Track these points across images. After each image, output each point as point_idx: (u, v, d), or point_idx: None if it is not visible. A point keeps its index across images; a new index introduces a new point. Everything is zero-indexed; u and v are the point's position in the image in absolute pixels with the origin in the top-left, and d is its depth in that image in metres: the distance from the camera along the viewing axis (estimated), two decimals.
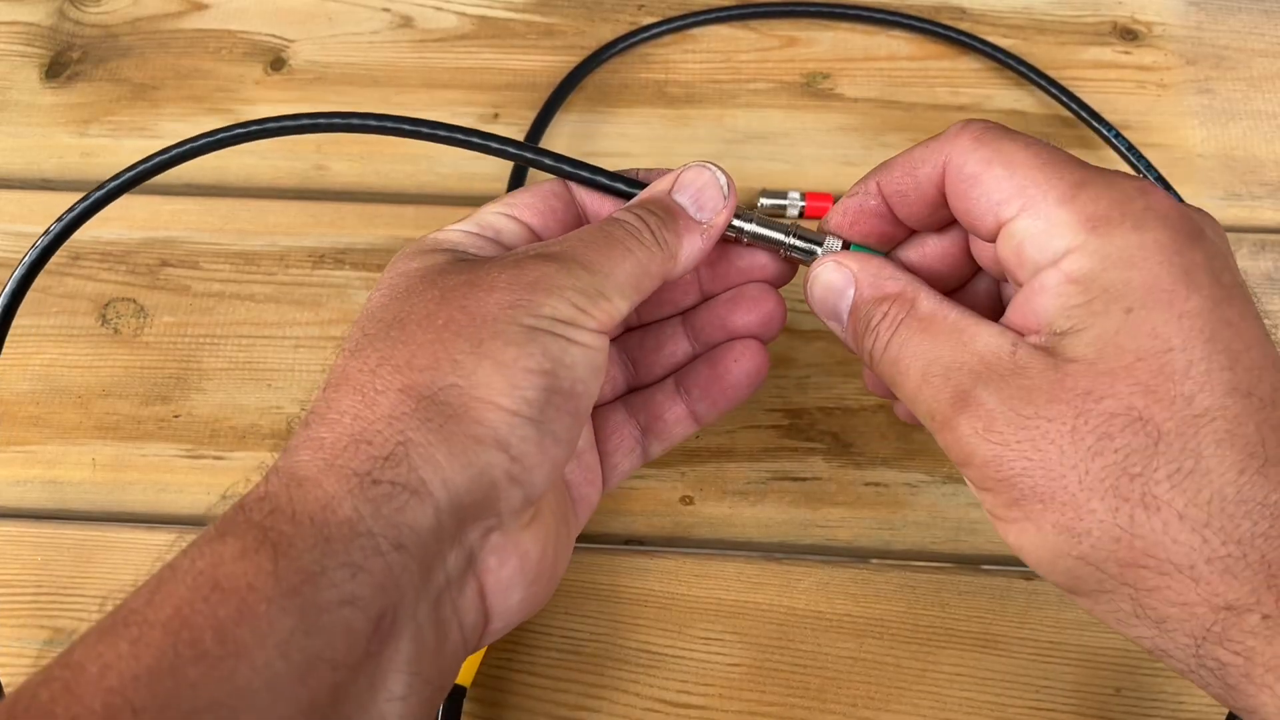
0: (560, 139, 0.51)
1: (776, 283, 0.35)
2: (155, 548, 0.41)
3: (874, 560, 0.41)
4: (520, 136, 0.50)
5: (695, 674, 0.38)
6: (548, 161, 0.33)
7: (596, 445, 0.35)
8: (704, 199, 0.32)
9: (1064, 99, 0.50)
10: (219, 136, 0.34)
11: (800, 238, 0.33)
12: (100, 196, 0.34)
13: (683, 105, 0.52)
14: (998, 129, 0.29)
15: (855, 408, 0.44)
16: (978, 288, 0.34)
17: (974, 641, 0.39)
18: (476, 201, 0.34)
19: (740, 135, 0.51)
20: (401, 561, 0.25)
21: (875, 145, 0.50)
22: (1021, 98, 0.52)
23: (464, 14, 0.55)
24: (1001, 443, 0.27)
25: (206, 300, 0.47)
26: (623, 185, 0.33)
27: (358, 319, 0.30)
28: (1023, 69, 0.51)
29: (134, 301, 0.47)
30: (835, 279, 0.32)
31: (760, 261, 0.35)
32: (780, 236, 0.33)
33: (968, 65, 0.53)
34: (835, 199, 0.34)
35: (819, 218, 0.35)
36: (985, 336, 0.28)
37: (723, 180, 0.32)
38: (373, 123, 0.34)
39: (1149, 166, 0.46)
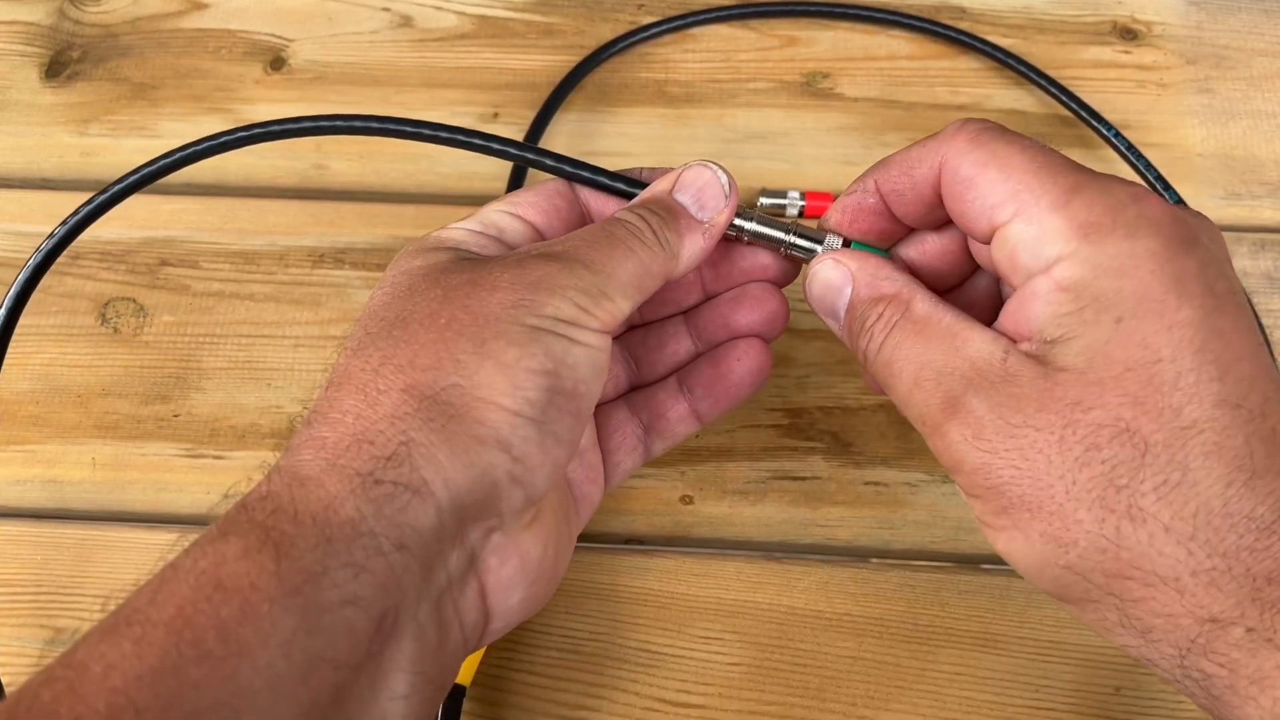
0: (560, 138, 0.51)
1: (779, 282, 0.35)
2: (155, 547, 0.41)
3: (874, 560, 0.41)
4: (520, 136, 0.50)
5: (695, 673, 0.39)
6: (548, 162, 0.34)
7: (599, 443, 0.35)
8: (705, 198, 0.32)
9: (1064, 99, 0.50)
10: (224, 139, 0.34)
11: (801, 236, 0.33)
12: (104, 200, 0.34)
13: (683, 105, 0.52)
14: (994, 130, 0.29)
15: (855, 407, 0.44)
16: (978, 284, 0.34)
17: (974, 641, 0.39)
18: (476, 201, 0.34)
19: (740, 135, 0.51)
20: (403, 561, 0.25)
21: (875, 145, 0.50)
22: (1021, 97, 0.52)
23: (464, 13, 0.55)
24: (990, 450, 0.27)
25: (206, 300, 0.47)
26: (623, 185, 0.33)
27: (360, 317, 0.30)
28: (1023, 69, 0.51)
29: (134, 301, 0.47)
30: (833, 277, 0.32)
31: (763, 261, 0.35)
32: (781, 235, 0.33)
33: (968, 65, 0.53)
34: (835, 198, 0.34)
35: (819, 217, 0.35)
36: (978, 342, 0.28)
37: (724, 179, 0.32)
38: (375, 125, 0.34)
39: (1149, 166, 0.46)
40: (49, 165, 0.50)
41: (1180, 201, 0.45)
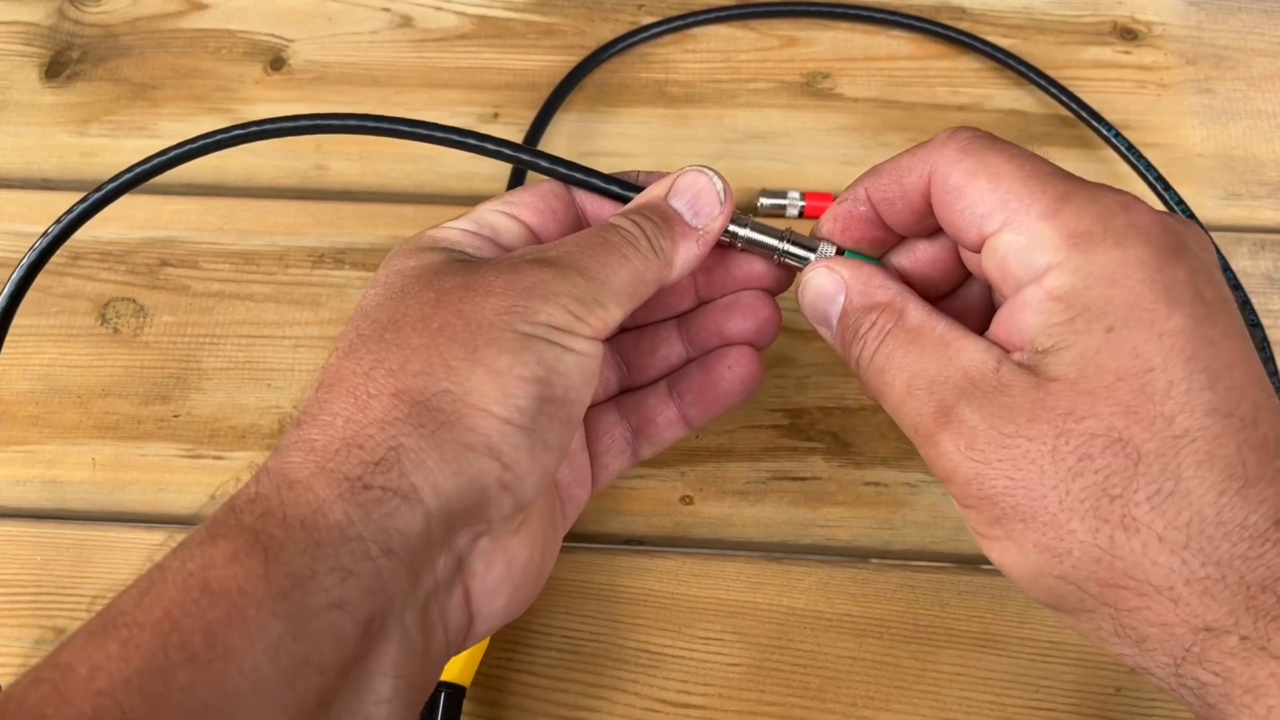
0: (560, 139, 0.51)
1: (773, 290, 0.35)
2: (155, 547, 0.41)
3: (874, 560, 0.41)
4: (520, 136, 0.50)
5: (695, 674, 0.38)
6: (543, 163, 0.33)
7: (588, 446, 0.35)
8: (700, 205, 0.32)
9: (1064, 99, 0.50)
10: (218, 138, 0.34)
11: (794, 243, 0.33)
12: (99, 198, 0.34)
13: (682, 105, 0.52)
14: (984, 139, 0.29)
15: (855, 408, 0.44)
16: (969, 292, 0.34)
17: (974, 641, 0.39)
18: (476, 202, 0.34)
19: (740, 135, 0.51)
20: (391, 567, 0.25)
21: (875, 145, 0.50)
22: (1021, 98, 0.52)
23: (464, 14, 0.55)
24: (983, 460, 0.27)
25: (206, 300, 0.47)
26: (618, 188, 0.33)
27: (352, 317, 0.30)
28: (1023, 69, 0.51)
29: (134, 301, 0.47)
30: (826, 285, 0.32)
31: (757, 269, 0.35)
32: (774, 242, 0.33)
33: (968, 65, 0.53)
34: (835, 199, 0.34)
35: (818, 218, 0.35)
36: (971, 351, 0.28)
37: (719, 186, 0.32)
38: (370, 124, 0.34)
39: (1149, 166, 0.46)
40: (49, 165, 0.50)
41: (1181, 202, 0.45)
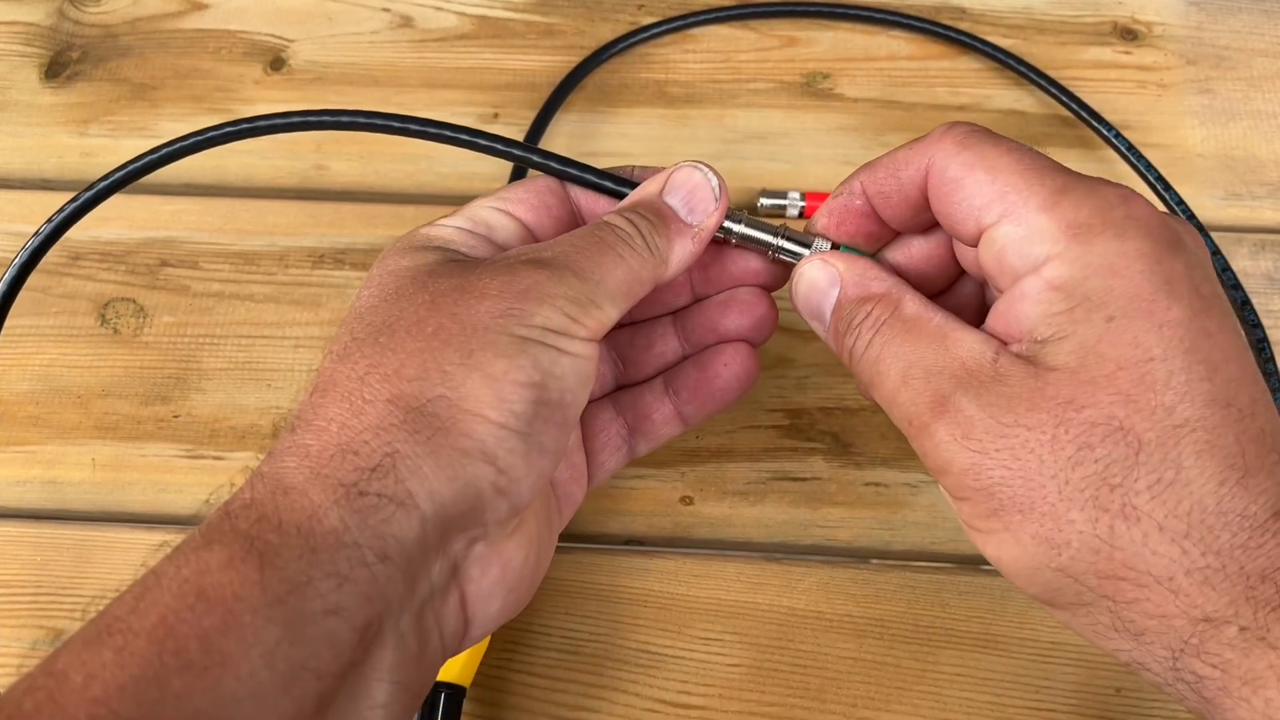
0: (560, 139, 0.51)
1: (769, 287, 0.35)
2: (155, 548, 0.41)
3: (874, 560, 0.41)
4: (520, 136, 0.50)
5: (695, 674, 0.38)
6: (536, 159, 0.33)
7: (584, 443, 0.35)
8: (695, 201, 0.32)
9: (1064, 99, 0.50)
10: (208, 135, 0.34)
11: (789, 239, 0.33)
12: (89, 197, 0.34)
13: (683, 105, 0.52)
14: (982, 133, 0.29)
15: (855, 408, 0.44)
16: (963, 290, 0.34)
17: (974, 642, 0.39)
18: None
19: (740, 135, 0.51)
20: (387, 573, 0.25)
21: (875, 145, 0.50)
22: (1021, 98, 0.52)
23: (464, 14, 0.55)
24: (980, 450, 0.26)
25: (206, 300, 0.47)
26: (611, 184, 0.33)
27: (345, 318, 0.30)
28: (1023, 69, 0.51)
29: (133, 301, 0.47)
30: (820, 277, 0.32)
31: (753, 266, 0.35)
32: (769, 238, 0.33)
33: (968, 65, 0.53)
34: (831, 194, 0.34)
35: None
36: (968, 342, 0.28)
37: (714, 182, 0.32)
38: (361, 120, 0.33)
39: (1149, 166, 0.46)
40: (49, 165, 0.50)
41: (1181, 202, 0.45)
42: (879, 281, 0.31)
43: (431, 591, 0.27)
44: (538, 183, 0.34)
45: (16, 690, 0.22)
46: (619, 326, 0.37)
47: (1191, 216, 0.44)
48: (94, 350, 0.45)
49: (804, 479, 0.42)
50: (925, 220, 0.31)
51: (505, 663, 0.39)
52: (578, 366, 0.28)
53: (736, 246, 0.34)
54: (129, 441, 0.43)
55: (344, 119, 0.33)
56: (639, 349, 0.37)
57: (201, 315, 0.46)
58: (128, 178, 0.34)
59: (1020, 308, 0.27)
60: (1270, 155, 0.50)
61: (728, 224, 0.33)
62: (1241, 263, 0.46)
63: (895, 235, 0.33)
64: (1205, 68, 0.52)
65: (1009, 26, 0.54)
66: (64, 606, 0.40)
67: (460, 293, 0.28)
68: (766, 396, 0.44)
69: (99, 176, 0.34)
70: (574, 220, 0.34)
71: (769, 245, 0.33)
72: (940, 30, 0.53)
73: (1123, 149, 0.47)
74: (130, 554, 0.41)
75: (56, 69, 0.53)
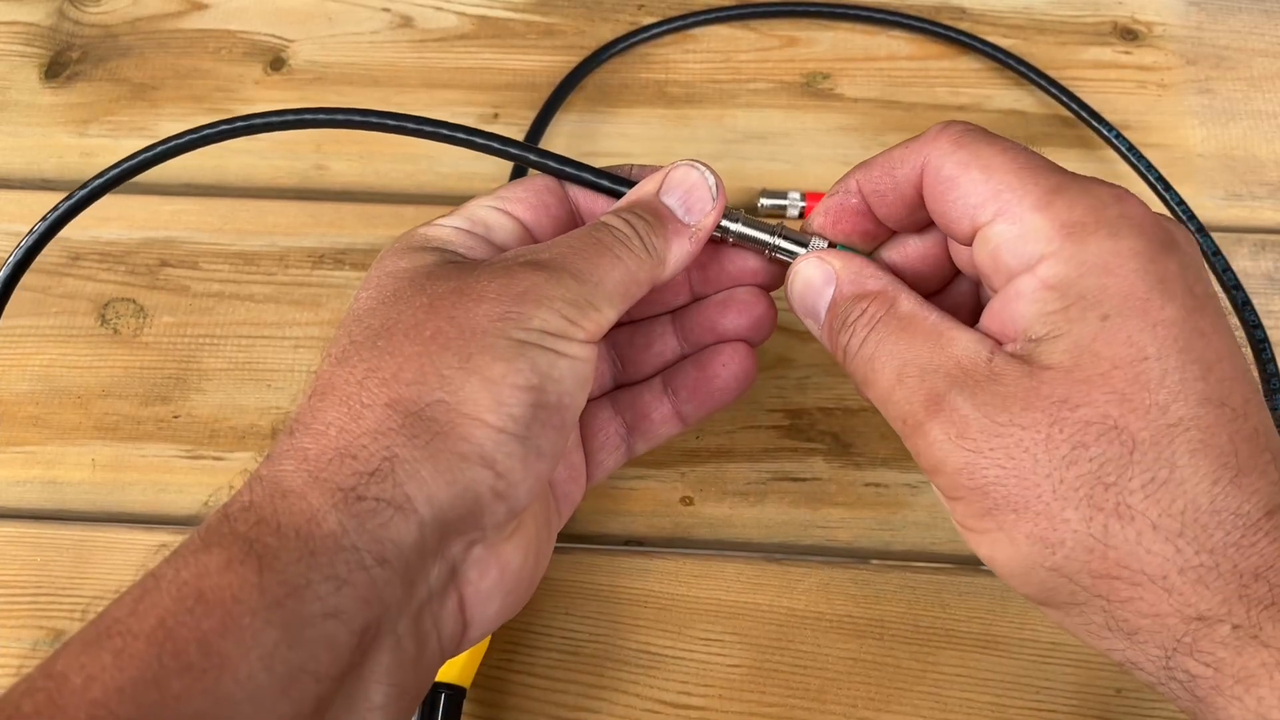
0: (560, 139, 0.51)
1: (768, 287, 0.35)
2: (154, 549, 0.41)
3: (874, 561, 0.41)
4: (520, 136, 0.50)
5: (695, 675, 0.38)
6: (533, 158, 0.33)
7: (583, 443, 0.35)
8: (692, 200, 0.32)
9: (1064, 99, 0.50)
10: (203, 133, 0.33)
11: (786, 238, 0.33)
12: (83, 196, 0.34)
13: (683, 105, 0.51)
14: (977, 132, 0.29)
15: (855, 408, 0.44)
16: (959, 290, 0.34)
17: (974, 642, 0.39)
18: None
19: (740, 135, 0.51)
20: (385, 576, 0.25)
21: (875, 145, 0.50)
22: (1021, 98, 0.52)
23: (464, 14, 0.55)
24: (974, 449, 0.26)
25: (206, 300, 0.47)
26: (609, 183, 0.33)
27: (344, 320, 0.29)
28: (1023, 69, 0.51)
29: (133, 301, 0.47)
30: (816, 275, 0.32)
31: (752, 265, 0.35)
32: (766, 237, 0.33)
33: (968, 65, 0.53)
34: (827, 193, 0.34)
35: None
36: (964, 341, 0.28)
37: (711, 181, 0.32)
38: (357, 119, 0.33)
39: (1149, 167, 0.46)
40: (49, 165, 0.50)
41: (1181, 202, 0.45)
42: (875, 279, 0.31)
43: (429, 595, 0.27)
44: (536, 182, 0.34)
45: (15, 692, 0.22)
46: (618, 325, 0.37)
47: (1191, 216, 0.44)
48: (94, 350, 0.45)
49: (804, 479, 0.42)
50: (920, 219, 0.31)
51: (505, 663, 0.39)
52: (576, 369, 0.28)
53: (734, 246, 0.34)
54: (129, 442, 0.43)
55: (339, 117, 0.33)
56: (638, 348, 0.37)
57: (201, 315, 0.46)
58: (121, 176, 0.34)
59: (1015, 306, 0.27)
60: (1270, 155, 0.50)
61: (725, 223, 0.33)
62: (1241, 263, 0.46)
63: (891, 234, 0.33)
64: (1205, 68, 0.52)
65: (1009, 26, 0.54)
66: (64, 607, 0.40)
67: (458, 295, 0.28)
68: (766, 397, 0.44)
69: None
70: (573, 219, 0.34)
71: (766, 244, 0.33)
72: (940, 30, 0.53)
73: (1123, 149, 0.47)
74: (130, 554, 0.41)
75: (56, 69, 0.53)
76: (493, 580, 0.28)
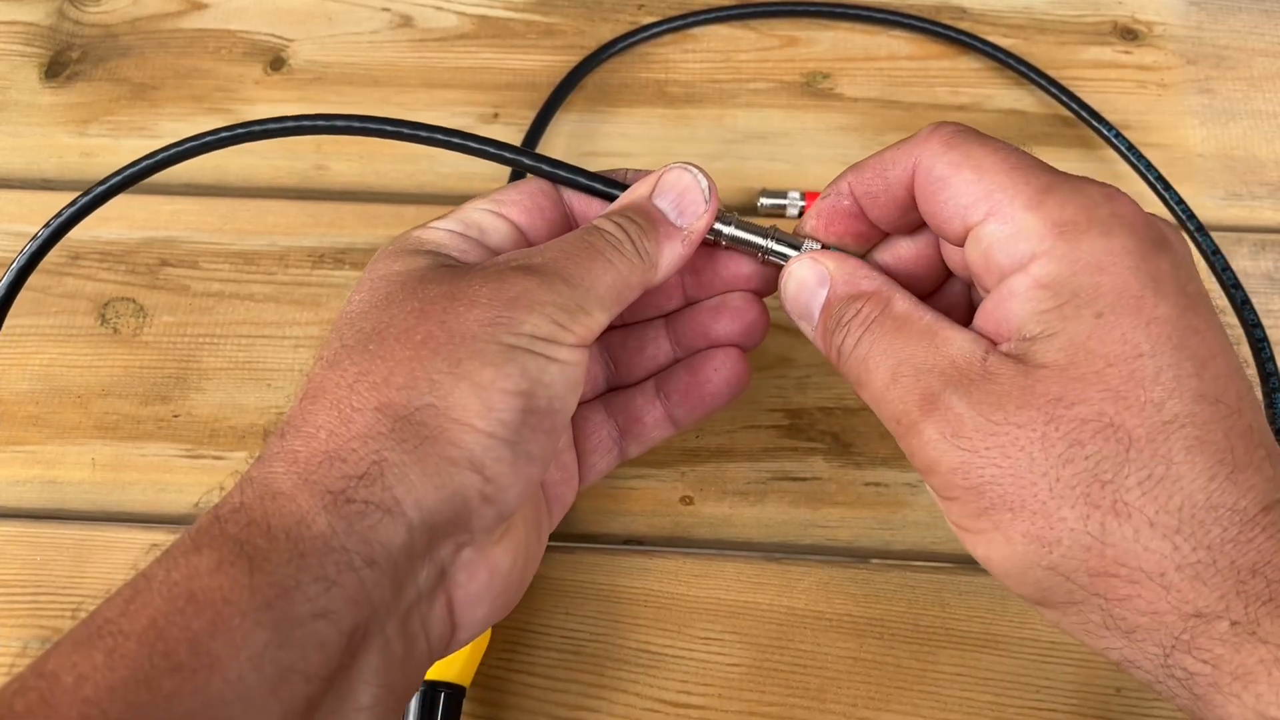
0: (560, 139, 0.51)
1: (761, 292, 0.35)
2: (154, 548, 0.41)
3: (874, 560, 0.41)
4: (520, 136, 0.50)
5: (695, 674, 0.38)
6: (527, 161, 0.33)
7: (575, 445, 0.35)
8: (685, 204, 0.32)
9: (1064, 99, 0.50)
10: (204, 140, 0.34)
11: (779, 241, 0.33)
12: (87, 202, 0.34)
13: (683, 105, 0.51)
14: (968, 133, 0.29)
15: (855, 408, 0.44)
16: (951, 291, 0.34)
17: (974, 642, 0.39)
18: None
19: (740, 135, 0.51)
20: (374, 578, 0.25)
21: (875, 145, 0.50)
22: (1021, 97, 0.52)
23: (464, 14, 0.55)
24: (970, 449, 0.26)
25: (206, 300, 0.47)
26: (602, 186, 0.33)
27: (336, 322, 0.30)
28: (1023, 69, 0.51)
29: (133, 301, 0.47)
30: (809, 276, 0.32)
31: (745, 271, 0.35)
32: (759, 240, 0.33)
33: (968, 65, 0.53)
34: (819, 195, 0.33)
35: None
36: (958, 341, 0.28)
37: (704, 184, 0.32)
38: (356, 124, 0.33)
39: (1149, 166, 0.46)
40: (49, 165, 0.50)
41: (1181, 202, 0.45)
42: (869, 280, 0.31)
43: (418, 597, 0.27)
44: (530, 185, 0.34)
45: (7, 691, 0.22)
46: (612, 328, 0.37)
47: (1191, 216, 0.44)
48: (94, 350, 0.45)
49: (804, 479, 0.42)
50: (913, 220, 0.31)
51: (505, 663, 0.39)
52: (566, 373, 0.28)
53: (727, 249, 0.34)
54: (129, 441, 0.43)
55: (338, 123, 0.34)
56: (631, 351, 0.37)
57: (201, 315, 0.46)
58: (124, 183, 0.34)
59: (1008, 305, 0.27)
60: (1270, 155, 0.50)
61: (718, 226, 0.33)
62: (1241, 263, 0.46)
63: (883, 236, 0.33)
64: (1205, 67, 0.52)
65: (1009, 26, 0.54)
66: (63, 606, 0.40)
67: (450, 300, 0.28)
68: (766, 396, 0.44)
69: (98, 178, 0.34)
70: (567, 222, 0.34)
71: (759, 247, 0.33)
72: (940, 30, 0.53)
73: (1123, 149, 0.47)
74: (130, 554, 0.41)
75: (56, 69, 0.53)
76: (481, 583, 0.28)
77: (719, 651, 0.39)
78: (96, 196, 0.34)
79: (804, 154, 0.50)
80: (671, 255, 0.32)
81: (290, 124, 0.34)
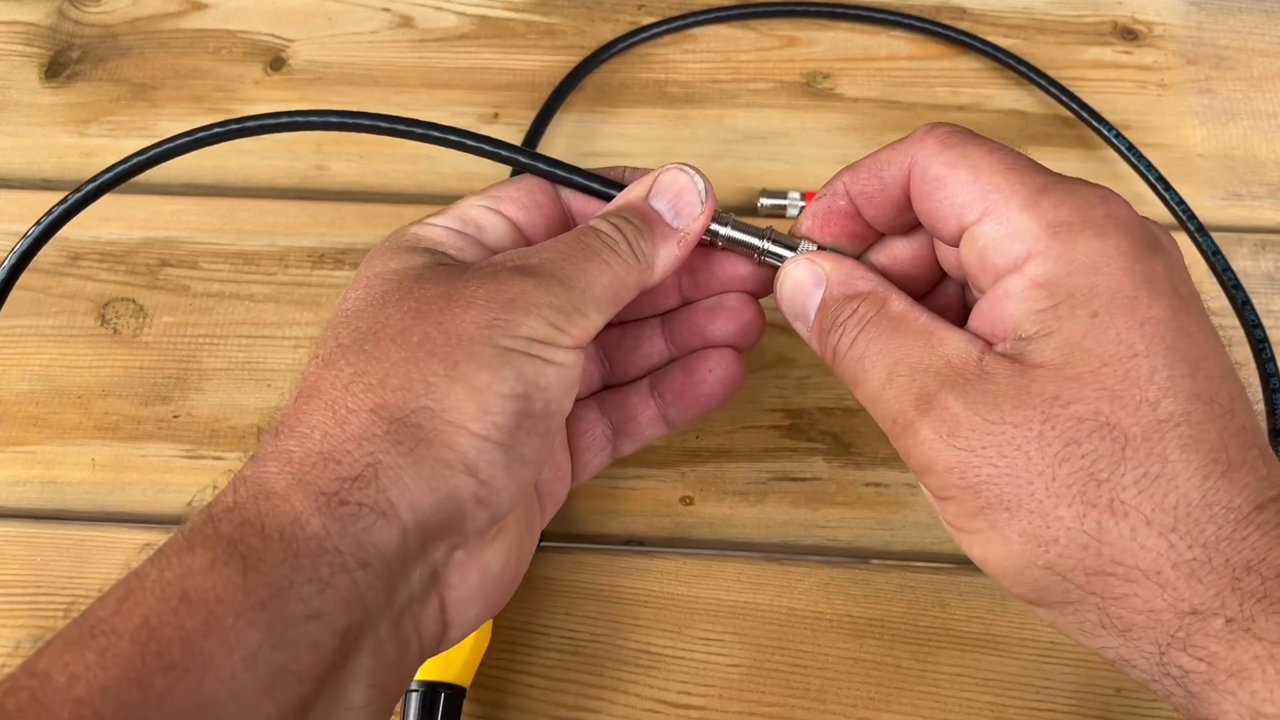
0: (560, 139, 0.51)
1: (757, 293, 0.35)
2: (141, 549, 0.41)
3: (874, 560, 0.41)
4: (520, 136, 0.50)
5: (695, 674, 0.38)
6: (524, 160, 0.33)
7: (568, 443, 0.35)
8: (681, 205, 0.32)
9: (1064, 99, 0.50)
10: (198, 136, 0.33)
11: (775, 242, 0.33)
12: (79, 198, 0.34)
13: (683, 105, 0.51)
14: (964, 133, 0.29)
15: (855, 408, 0.44)
16: (946, 293, 0.34)
17: (974, 642, 0.39)
18: None
19: (740, 135, 0.51)
20: (367, 579, 0.25)
21: (875, 145, 0.50)
22: (1021, 98, 0.52)
23: (464, 14, 0.55)
24: (966, 448, 0.27)
25: (206, 300, 0.47)
26: (599, 186, 0.33)
27: (332, 321, 0.29)
28: (1023, 69, 0.51)
29: (133, 301, 0.47)
30: (805, 277, 0.32)
31: (741, 272, 0.35)
32: (755, 241, 0.33)
33: (968, 65, 0.53)
34: (815, 196, 0.33)
35: None
36: (954, 341, 0.28)
37: (700, 185, 0.32)
38: (349, 121, 0.33)
39: (1149, 166, 0.46)
40: (49, 165, 0.50)
41: (1181, 202, 0.45)
42: (865, 280, 0.31)
43: (411, 598, 0.27)
44: (528, 181, 0.33)
45: None
46: (608, 326, 0.37)
47: (1191, 216, 0.44)
48: (94, 350, 0.45)
49: (804, 479, 0.42)
50: (908, 221, 0.31)
51: (505, 663, 0.39)
52: (562, 375, 0.28)
53: (723, 250, 0.34)
54: (129, 441, 0.43)
55: (332, 119, 0.33)
56: (626, 350, 0.37)
57: (201, 315, 0.46)
58: (118, 178, 0.34)
59: (1004, 306, 0.27)
60: (1270, 155, 0.50)
61: (714, 226, 0.33)
62: (1241, 263, 0.46)
63: (879, 237, 0.33)
64: (1205, 68, 0.52)
65: (1009, 26, 0.54)
66: (63, 606, 0.40)
67: (446, 301, 0.28)
68: (766, 396, 0.44)
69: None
70: (565, 219, 0.34)
71: (755, 248, 0.33)
72: (940, 30, 0.53)
73: (1123, 149, 0.47)
74: (130, 554, 0.41)
75: (56, 69, 0.53)
76: (474, 583, 0.28)
77: (719, 652, 0.39)
78: (88, 193, 0.34)
79: (804, 154, 0.50)
80: (668, 256, 0.32)
81: (284, 120, 0.33)
